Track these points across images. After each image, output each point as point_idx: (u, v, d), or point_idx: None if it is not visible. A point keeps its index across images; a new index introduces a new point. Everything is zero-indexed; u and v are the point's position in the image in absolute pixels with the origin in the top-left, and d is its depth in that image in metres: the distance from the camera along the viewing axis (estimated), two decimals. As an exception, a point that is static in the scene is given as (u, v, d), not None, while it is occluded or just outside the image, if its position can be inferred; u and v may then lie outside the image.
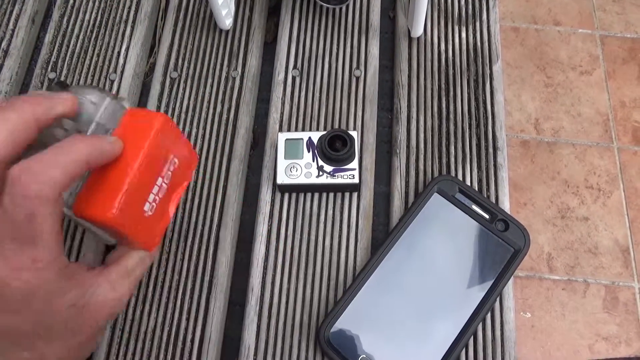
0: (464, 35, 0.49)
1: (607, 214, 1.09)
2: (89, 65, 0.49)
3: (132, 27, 0.51)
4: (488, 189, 0.43)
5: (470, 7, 0.50)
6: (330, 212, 0.42)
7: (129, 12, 0.52)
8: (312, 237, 0.42)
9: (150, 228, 0.31)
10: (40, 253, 0.25)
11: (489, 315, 0.39)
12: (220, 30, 0.50)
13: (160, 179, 0.31)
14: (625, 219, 1.09)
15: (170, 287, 0.40)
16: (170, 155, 0.32)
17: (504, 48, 1.27)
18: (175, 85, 0.48)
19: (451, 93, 0.47)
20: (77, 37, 0.50)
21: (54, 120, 0.28)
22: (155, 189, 0.31)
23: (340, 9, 0.50)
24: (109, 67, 0.49)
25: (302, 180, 0.41)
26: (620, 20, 1.29)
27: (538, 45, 1.28)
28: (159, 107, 0.47)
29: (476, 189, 0.43)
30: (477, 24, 0.50)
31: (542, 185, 1.12)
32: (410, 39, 0.49)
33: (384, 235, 0.42)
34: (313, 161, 0.41)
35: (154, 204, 0.31)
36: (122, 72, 0.49)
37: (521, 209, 1.09)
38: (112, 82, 0.48)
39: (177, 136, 0.32)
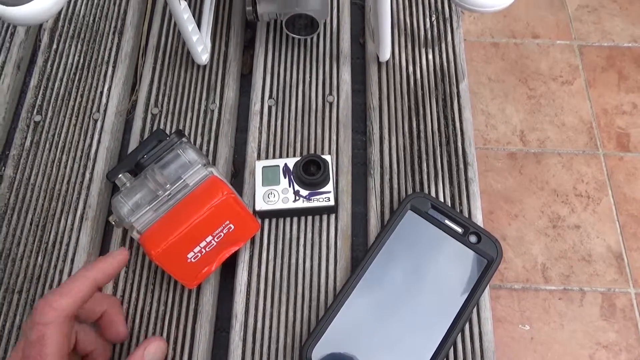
0: (430, 56, 0.51)
1: (598, 221, 1.10)
2: (73, 107, 0.51)
3: (114, 67, 0.53)
4: (460, 204, 0.44)
5: (435, 29, 0.53)
6: (309, 235, 0.44)
7: (110, 53, 0.54)
8: (293, 261, 0.43)
9: (190, 272, 0.39)
10: None
11: (467, 327, 0.40)
12: (198, 66, 0.52)
13: (210, 237, 0.38)
14: (616, 225, 1.10)
15: (156, 318, 0.41)
16: (227, 221, 0.38)
17: (485, 63, 1.30)
18: (157, 121, 0.50)
19: (421, 113, 0.48)
20: (61, 80, 0.53)
21: (112, 277, 0.35)
22: (203, 243, 0.38)
23: (312, 39, 0.53)
24: (92, 107, 0.51)
25: (280, 205, 0.42)
26: (596, 30, 1.32)
27: (518, 58, 1.31)
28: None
29: (449, 204, 0.44)
30: (443, 45, 0.52)
31: (532, 196, 1.13)
32: (379, 63, 0.51)
33: (362, 255, 0.43)
34: (289, 186, 0.42)
35: (198, 254, 0.38)
36: (105, 111, 0.50)
37: (513, 220, 1.10)
38: (96, 121, 0.50)
39: (239, 210, 0.39)
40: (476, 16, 1.34)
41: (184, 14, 0.46)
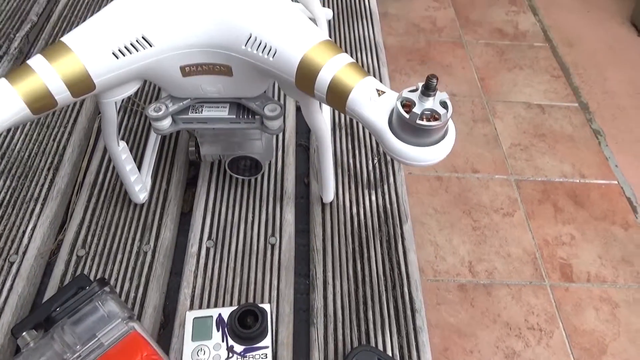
0: (373, 198, 0.51)
1: (553, 354, 1.07)
2: (-11, 247, 0.46)
3: (43, 205, 0.50)
4: (410, 355, 0.41)
5: (377, 172, 0.54)
6: (244, 396, 0.39)
7: (41, 190, 0.51)
8: None
9: None
10: None
11: None
12: (135, 205, 0.50)
13: None
14: (571, 358, 1.07)
15: None
16: None
17: (430, 196, 1.35)
18: (81, 264, 0.46)
19: (365, 255, 0.47)
20: (-18, 217, 0.49)
21: None
22: None
23: (256, 179, 0.52)
24: (10, 248, 0.46)
25: (211, 363, 0.37)
26: (529, 166, 1.42)
27: (461, 191, 1.37)
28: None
29: (397, 356, 0.41)
30: (385, 187, 0.52)
31: (485, 330, 1.11)
32: (323, 204, 0.50)
33: (304, 420, 0.38)
34: (223, 341, 0.38)
35: None
36: (24, 253, 0.46)
37: (468, 357, 1.06)
38: (12, 264, 0.45)
39: None
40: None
41: (122, 154, 0.45)
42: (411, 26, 1.72)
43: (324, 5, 0.68)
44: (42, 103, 0.33)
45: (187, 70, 0.38)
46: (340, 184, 0.52)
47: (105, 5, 0.37)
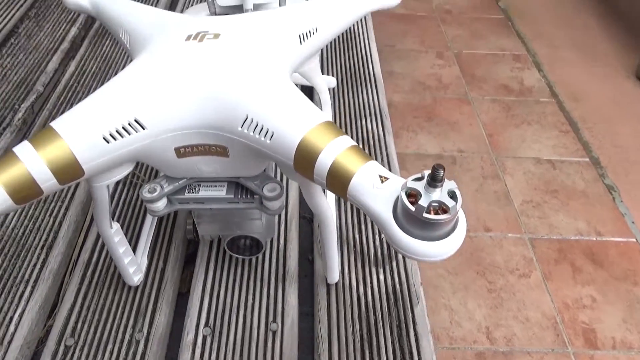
0: (381, 277, 0.48)
1: None
2: (-27, 337, 0.44)
3: (33, 287, 0.47)
4: None
5: (385, 247, 0.51)
6: None
7: (32, 271, 0.49)
8: None
9: None
10: None
11: None
12: (129, 287, 0.47)
13: None
14: None
15: None
16: None
17: (442, 256, 1.31)
18: (69, 355, 0.42)
19: (374, 343, 0.43)
20: (-32, 302, 0.46)
21: None
22: None
23: (257, 257, 0.49)
24: (-6, 338, 0.44)
25: None
26: (543, 224, 1.37)
27: (474, 251, 1.33)
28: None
29: None
30: (394, 264, 0.49)
31: (507, 403, 1.03)
32: (328, 285, 0.47)
33: None
34: None
35: None
36: (9, 343, 0.43)
37: None
38: (-5, 356, 0.42)
39: None
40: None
41: (116, 237, 0.42)
42: (417, 84, 1.73)
43: (327, 73, 0.68)
44: (26, 192, 0.31)
45: (182, 152, 0.36)
46: (346, 261, 0.49)
47: (109, 77, 0.36)
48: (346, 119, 0.63)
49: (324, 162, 0.31)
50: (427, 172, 0.27)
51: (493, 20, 2.07)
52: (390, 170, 0.57)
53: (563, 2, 2.19)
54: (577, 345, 1.13)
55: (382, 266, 0.49)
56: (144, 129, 0.34)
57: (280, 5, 0.47)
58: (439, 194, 0.27)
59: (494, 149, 1.52)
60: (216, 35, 0.35)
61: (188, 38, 0.36)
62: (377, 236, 0.52)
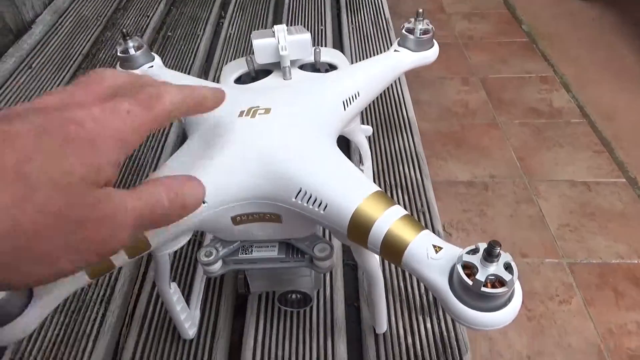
0: (428, 325, 0.49)
1: None
2: (42, 393, 0.46)
3: (94, 342, 0.50)
4: None
5: (430, 295, 0.52)
6: None
7: (93, 325, 0.51)
8: None
9: None
10: None
11: None
12: (184, 340, 0.49)
13: None
14: None
15: None
16: None
17: (479, 283, 1.30)
18: (132, 411, 0.44)
19: (426, 395, 0.44)
20: (35, 358, 0.49)
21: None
22: None
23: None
24: (62, 395, 0.46)
25: None
26: (581, 248, 1.35)
27: (511, 278, 1.31)
28: None
29: None
30: (440, 311, 0.50)
31: None
32: (376, 335, 0.48)
33: None
34: None
35: None
36: (76, 399, 0.45)
37: None
38: (64, 413, 0.45)
39: None
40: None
41: (174, 296, 0.45)
42: (444, 111, 1.74)
43: (361, 121, 0.70)
44: (100, 268, 0.34)
45: (238, 220, 0.38)
46: (392, 310, 0.50)
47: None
48: (383, 166, 0.64)
49: (378, 232, 0.32)
50: (481, 245, 0.29)
51: (517, 43, 2.07)
52: (430, 216, 0.58)
53: (586, 23, 2.18)
54: (624, 375, 1.10)
55: (429, 314, 0.50)
56: (204, 203, 0.36)
57: (315, 59, 0.50)
58: (495, 268, 0.28)
59: (526, 173, 1.51)
60: (267, 110, 0.38)
61: (241, 114, 0.38)
62: (421, 284, 0.53)
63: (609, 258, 1.33)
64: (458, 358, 0.46)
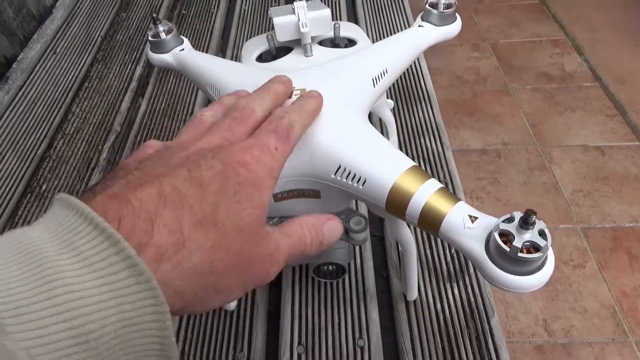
0: (456, 291, 0.51)
1: (650, 420, 1.00)
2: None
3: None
4: None
5: (457, 262, 0.54)
6: None
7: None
8: None
9: None
10: None
11: None
12: (227, 312, 0.52)
13: None
14: None
15: None
16: None
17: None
18: (182, 377, 0.48)
19: (456, 356, 0.47)
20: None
21: None
22: None
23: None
24: None
25: None
26: (595, 213, 1.37)
27: (525, 243, 1.33)
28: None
29: None
30: (467, 278, 0.52)
31: (571, 395, 1.05)
32: (406, 301, 0.51)
33: None
34: None
35: None
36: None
37: None
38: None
39: None
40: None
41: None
42: (455, 78, 1.74)
43: (384, 95, 0.71)
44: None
45: (279, 197, 0.41)
46: (421, 278, 0.53)
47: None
48: (405, 139, 0.66)
49: (415, 205, 0.34)
50: (517, 214, 0.31)
51: (527, 6, 2.04)
52: (453, 186, 0.60)
53: (601, -18, 2.14)
54: (638, 334, 1.13)
55: (456, 281, 0.52)
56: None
57: (334, 34, 0.50)
58: (531, 235, 0.30)
59: (539, 139, 1.52)
60: (302, 91, 0.39)
61: (278, 95, 0.39)
62: (447, 251, 0.55)
63: (622, 222, 1.35)
64: (486, 322, 0.49)
